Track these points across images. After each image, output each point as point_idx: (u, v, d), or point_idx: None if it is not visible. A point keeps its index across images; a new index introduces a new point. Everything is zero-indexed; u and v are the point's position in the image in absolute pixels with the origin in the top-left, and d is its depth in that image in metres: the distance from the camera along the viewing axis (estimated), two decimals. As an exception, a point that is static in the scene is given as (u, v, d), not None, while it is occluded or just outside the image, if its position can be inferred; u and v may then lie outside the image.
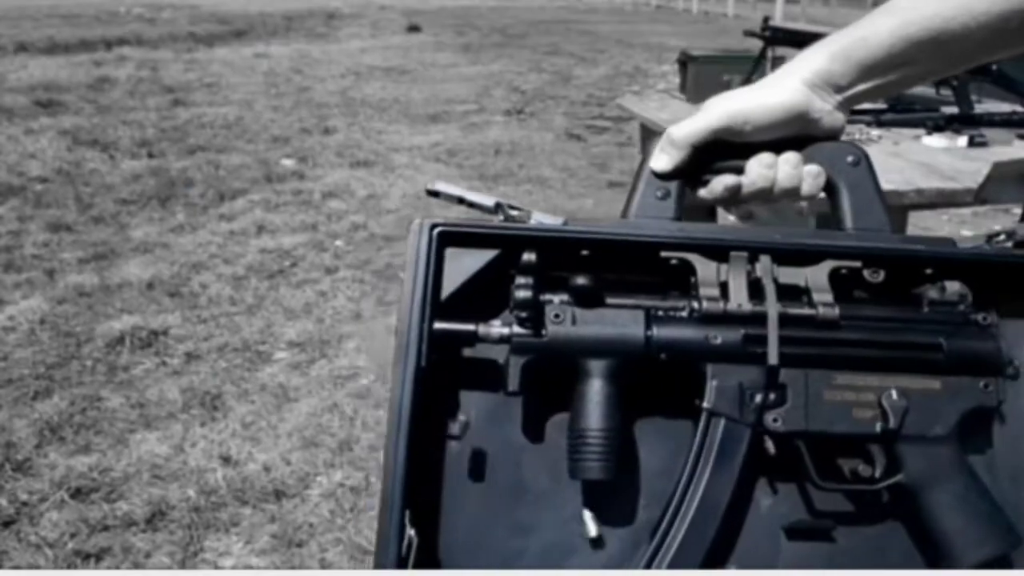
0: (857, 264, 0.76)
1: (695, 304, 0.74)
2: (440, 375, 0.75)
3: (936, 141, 2.95)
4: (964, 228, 5.18)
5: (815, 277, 0.75)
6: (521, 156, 6.89)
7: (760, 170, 0.78)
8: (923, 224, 5.02)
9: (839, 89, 0.79)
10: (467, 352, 0.77)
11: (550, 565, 0.76)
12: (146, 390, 3.25)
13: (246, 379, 3.34)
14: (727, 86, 3.62)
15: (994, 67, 3.17)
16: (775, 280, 0.74)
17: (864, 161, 0.81)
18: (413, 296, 0.72)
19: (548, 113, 8.77)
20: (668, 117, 3.53)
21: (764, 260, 0.75)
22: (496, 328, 0.74)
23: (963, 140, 2.89)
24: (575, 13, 24.78)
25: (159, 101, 9.04)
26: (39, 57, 12.21)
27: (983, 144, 2.88)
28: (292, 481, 2.68)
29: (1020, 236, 0.77)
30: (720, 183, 0.80)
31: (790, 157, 0.79)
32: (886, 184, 2.69)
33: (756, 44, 3.48)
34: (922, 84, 0.83)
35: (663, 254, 0.75)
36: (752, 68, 3.44)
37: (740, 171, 0.80)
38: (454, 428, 0.77)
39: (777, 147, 0.80)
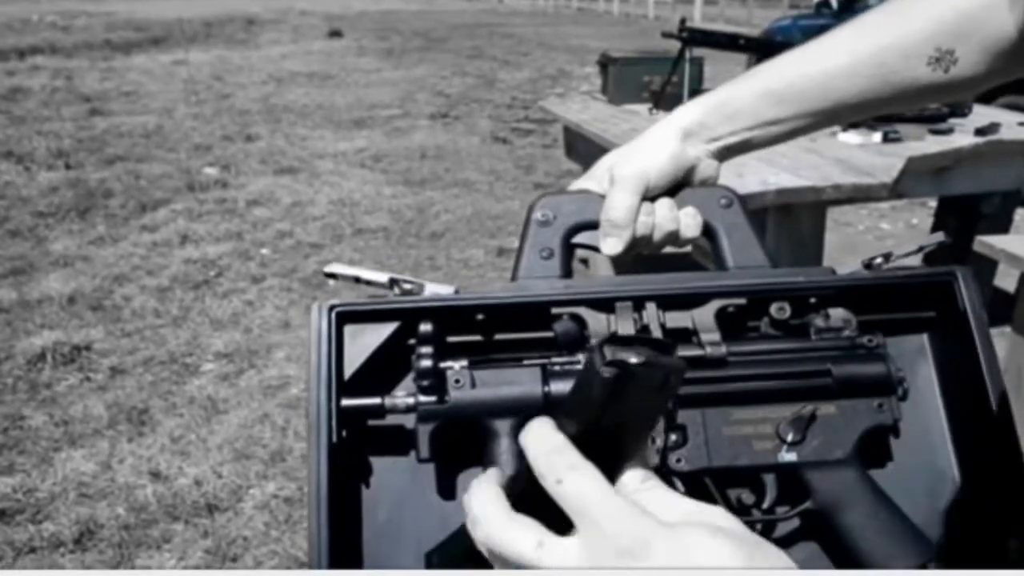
0: (742, 302, 0.79)
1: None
2: (355, 448, 0.78)
3: (851, 137, 3.02)
4: (883, 221, 5.32)
5: (702, 318, 0.78)
6: (447, 160, 6.89)
7: (641, 218, 0.82)
8: (844, 219, 5.14)
9: (712, 139, 0.84)
10: (378, 423, 0.79)
11: None
12: (70, 407, 3.18)
13: (173, 392, 3.29)
14: (647, 87, 3.67)
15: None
16: (662, 325, 0.77)
17: (736, 202, 0.84)
18: (319, 377, 0.75)
19: (473, 117, 8.79)
20: (590, 119, 3.56)
21: (650, 307, 0.78)
22: (401, 399, 0.75)
23: (878, 136, 2.97)
24: (497, 16, 24.85)
25: (76, 111, 8.84)
26: (-53, 68, 11.86)
27: (897, 139, 2.96)
28: (224, 494, 2.64)
29: (897, 257, 0.80)
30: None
31: (664, 202, 0.83)
32: (804, 180, 2.76)
33: (675, 45, 3.53)
34: (794, 139, 0.88)
35: (554, 311, 0.78)
36: (671, 69, 3.49)
37: None
38: (374, 497, 0.79)
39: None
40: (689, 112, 0.85)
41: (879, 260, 0.80)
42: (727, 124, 0.84)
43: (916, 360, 0.83)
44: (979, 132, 2.95)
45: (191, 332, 3.80)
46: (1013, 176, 3.02)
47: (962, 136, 2.98)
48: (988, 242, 2.82)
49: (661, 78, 3.54)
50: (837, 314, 0.79)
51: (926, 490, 0.81)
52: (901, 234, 5.06)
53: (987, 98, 4.54)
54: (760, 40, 3.72)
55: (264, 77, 11.39)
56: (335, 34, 16.97)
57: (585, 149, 3.57)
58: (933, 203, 4.17)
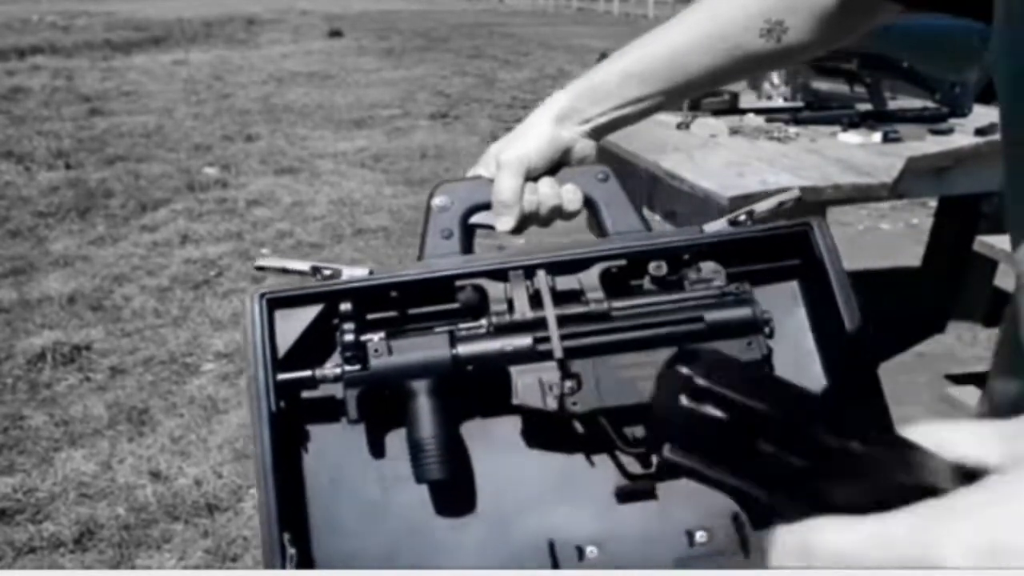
0: (622, 263, 0.89)
1: (490, 320, 0.87)
2: (294, 419, 0.88)
3: (852, 137, 3.02)
4: (883, 222, 5.32)
5: (588, 279, 0.89)
6: (447, 160, 6.89)
7: (527, 196, 0.92)
8: (844, 219, 5.14)
9: (583, 121, 0.93)
10: (312, 395, 0.89)
11: (420, 556, 0.88)
12: (70, 407, 3.18)
13: (174, 392, 3.29)
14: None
15: (905, 64, 3.26)
16: (552, 288, 0.87)
17: (611, 177, 0.95)
18: (255, 356, 0.85)
19: (473, 116, 8.79)
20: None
21: (540, 274, 0.88)
22: (329, 369, 0.85)
23: (877, 136, 2.97)
24: (497, 16, 24.86)
25: (76, 111, 8.84)
26: (-53, 68, 11.85)
27: (897, 139, 2.96)
28: (224, 494, 2.64)
29: (759, 215, 0.90)
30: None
31: (546, 181, 0.93)
32: (804, 180, 2.75)
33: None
34: (662, 111, 0.99)
35: (457, 283, 0.89)
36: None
37: None
38: (315, 463, 0.90)
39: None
40: (560, 99, 0.93)
41: (743, 217, 0.91)
42: (596, 106, 0.93)
43: (789, 305, 0.94)
44: (979, 132, 2.96)
45: (191, 332, 3.80)
46: (1013, 176, 3.01)
47: (962, 136, 2.98)
48: (988, 242, 2.82)
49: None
50: (708, 267, 0.89)
51: None
52: (901, 234, 5.06)
53: (987, 98, 4.54)
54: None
55: (264, 77, 11.39)
56: (335, 34, 16.97)
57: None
58: (933, 203, 4.16)
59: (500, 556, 0.88)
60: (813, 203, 2.61)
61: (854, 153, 2.86)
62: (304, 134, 7.88)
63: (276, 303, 0.87)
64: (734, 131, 3.16)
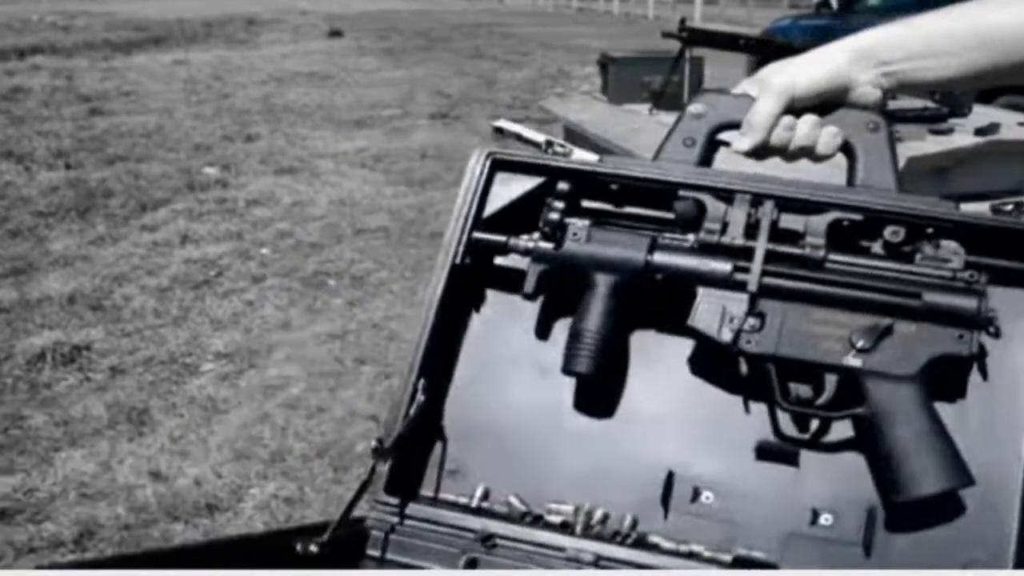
0: (858, 218, 0.84)
1: (698, 236, 0.86)
2: (477, 279, 0.92)
3: (852, 137, 3.01)
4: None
5: (815, 224, 0.84)
6: (448, 160, 6.87)
7: (780, 130, 0.86)
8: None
9: (881, 63, 0.86)
10: (502, 264, 0.93)
11: (535, 443, 0.89)
12: (70, 407, 3.18)
13: (173, 392, 3.29)
14: (647, 87, 3.66)
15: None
16: (774, 222, 0.84)
17: (884, 129, 0.88)
18: (461, 209, 0.89)
19: (473, 116, 8.77)
20: (590, 119, 3.56)
21: (767, 205, 0.85)
22: (524, 241, 0.88)
23: (878, 136, 2.96)
24: (497, 16, 24.83)
25: (75, 111, 8.83)
26: (-53, 68, 11.85)
27: (897, 139, 2.95)
28: (224, 494, 2.64)
29: None
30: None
31: (809, 118, 0.87)
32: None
33: (675, 45, 3.52)
34: (969, 86, 0.93)
35: (681, 193, 0.87)
36: (671, 68, 3.48)
37: None
38: (478, 324, 0.94)
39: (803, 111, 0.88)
40: (864, 37, 0.87)
41: (1010, 207, 0.86)
42: (897, 51, 0.85)
43: (1021, 315, 0.85)
44: (979, 132, 2.95)
45: (191, 332, 3.80)
46: (1013, 176, 3.01)
47: (962, 136, 2.97)
48: (988, 242, 2.81)
49: (661, 78, 3.54)
50: (948, 247, 0.82)
51: (993, 435, 0.83)
52: (901, 234, 5.04)
53: (987, 98, 4.54)
54: (760, 40, 3.72)
55: (264, 77, 11.37)
56: (335, 34, 16.94)
57: (585, 149, 3.56)
58: (933, 203, 4.15)
59: (615, 471, 0.87)
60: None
61: (854, 153, 2.85)
62: (304, 134, 7.87)
63: (500, 165, 0.91)
64: (734, 131, 3.15)
